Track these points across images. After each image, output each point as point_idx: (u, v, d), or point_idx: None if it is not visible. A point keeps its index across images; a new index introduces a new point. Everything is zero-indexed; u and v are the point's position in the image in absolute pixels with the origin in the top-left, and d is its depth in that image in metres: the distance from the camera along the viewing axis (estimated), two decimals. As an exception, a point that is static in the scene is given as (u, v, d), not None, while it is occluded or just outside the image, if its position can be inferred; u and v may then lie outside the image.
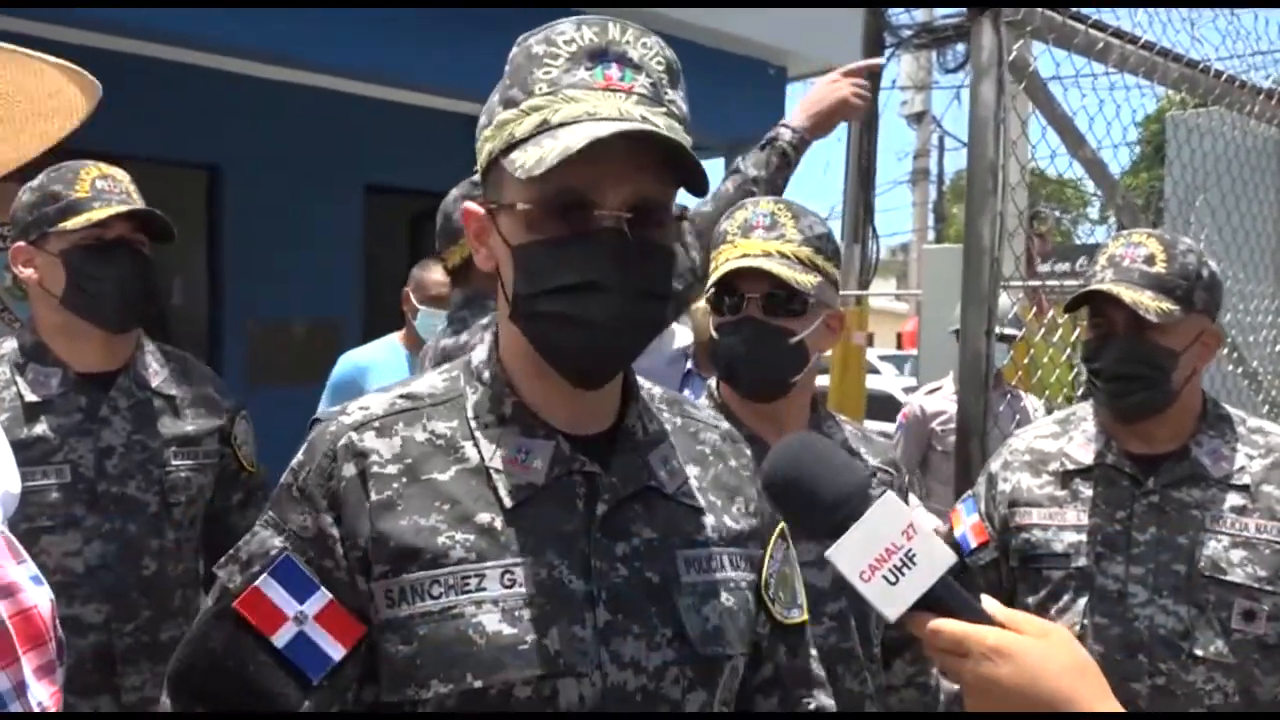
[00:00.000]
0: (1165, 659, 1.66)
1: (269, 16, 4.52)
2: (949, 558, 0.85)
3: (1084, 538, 1.74)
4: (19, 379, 1.93)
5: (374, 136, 6.23)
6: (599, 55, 0.95)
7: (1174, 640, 1.67)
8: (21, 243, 1.96)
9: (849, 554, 0.85)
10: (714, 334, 1.64)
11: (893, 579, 0.84)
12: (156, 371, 2.06)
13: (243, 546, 0.99)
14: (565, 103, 0.93)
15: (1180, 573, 1.68)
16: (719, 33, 5.85)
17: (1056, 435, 1.86)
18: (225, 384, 2.23)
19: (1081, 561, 1.73)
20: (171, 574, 2.00)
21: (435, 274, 3.42)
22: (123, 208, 1.92)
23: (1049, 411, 2.93)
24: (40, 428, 1.89)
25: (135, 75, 5.29)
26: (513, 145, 0.94)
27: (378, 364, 3.37)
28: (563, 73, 0.95)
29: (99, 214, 1.89)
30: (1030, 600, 1.79)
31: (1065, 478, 1.79)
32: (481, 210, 1.01)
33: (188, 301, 6.09)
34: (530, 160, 0.90)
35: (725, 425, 1.18)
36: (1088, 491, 1.77)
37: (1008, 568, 1.85)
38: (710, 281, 1.63)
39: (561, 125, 0.92)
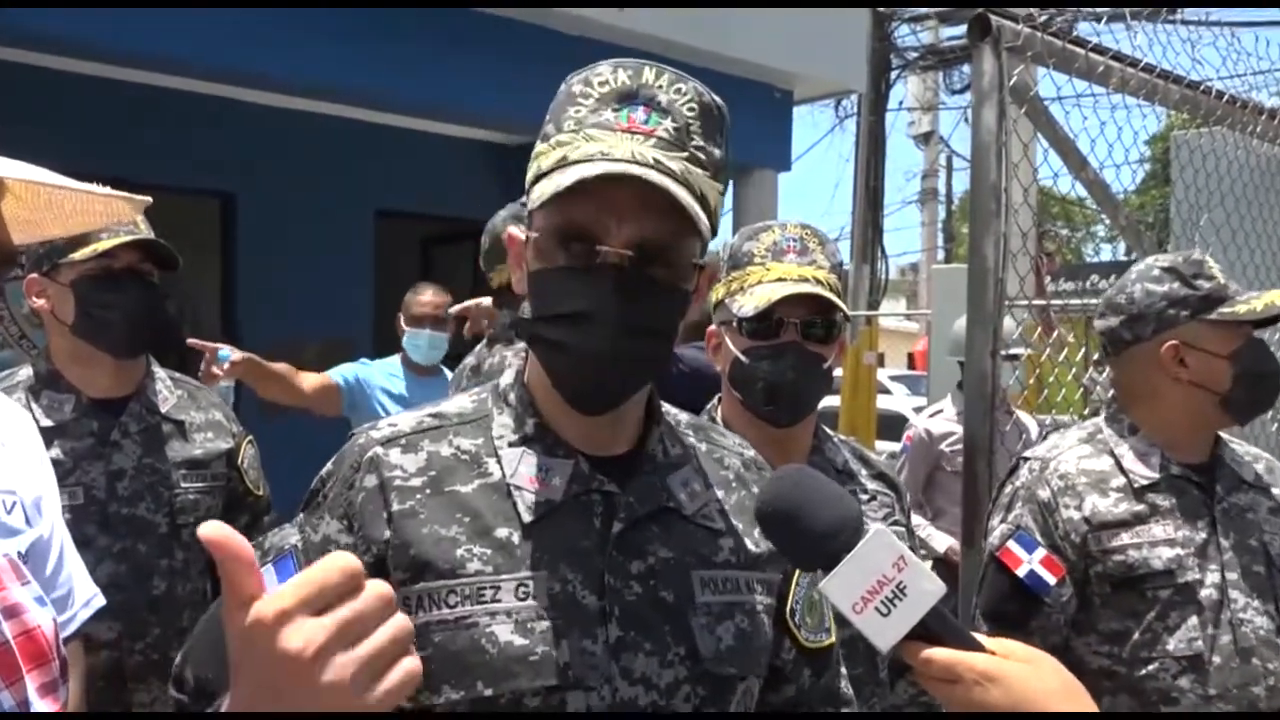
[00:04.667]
0: (1271, 659, 1.69)
1: (281, 46, 4.58)
2: (939, 589, 0.87)
3: (1179, 551, 1.71)
4: (34, 404, 1.96)
5: (384, 163, 6.29)
6: (628, 98, 0.99)
7: (1273, 639, 1.70)
8: (34, 274, 2.01)
9: (841, 586, 0.86)
10: (742, 357, 1.63)
11: (885, 610, 0.86)
12: (166, 397, 2.11)
13: (269, 536, 1.05)
14: (585, 141, 0.98)
15: (1261, 574, 1.72)
16: (724, 56, 5.89)
17: (1097, 453, 1.81)
18: (238, 410, 2.27)
19: (1189, 576, 1.70)
20: (180, 593, 2.03)
21: (423, 295, 3.61)
22: (129, 238, 1.96)
23: (1045, 431, 2.92)
24: (54, 451, 1.92)
25: (152, 107, 5.38)
26: (540, 176, 1.00)
27: (380, 379, 3.62)
28: (590, 112, 0.99)
29: (106, 244, 1.93)
30: (1132, 624, 1.71)
31: (1138, 493, 1.75)
32: (523, 236, 1.05)
33: (203, 328, 6.14)
34: (545, 190, 0.96)
35: (750, 453, 1.20)
36: (1164, 504, 1.74)
37: (1082, 596, 1.76)
38: (753, 305, 1.60)
39: (576, 162, 0.96)
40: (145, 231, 2.01)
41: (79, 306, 1.96)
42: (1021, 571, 1.75)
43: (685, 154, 0.99)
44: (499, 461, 1.03)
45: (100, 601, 1.60)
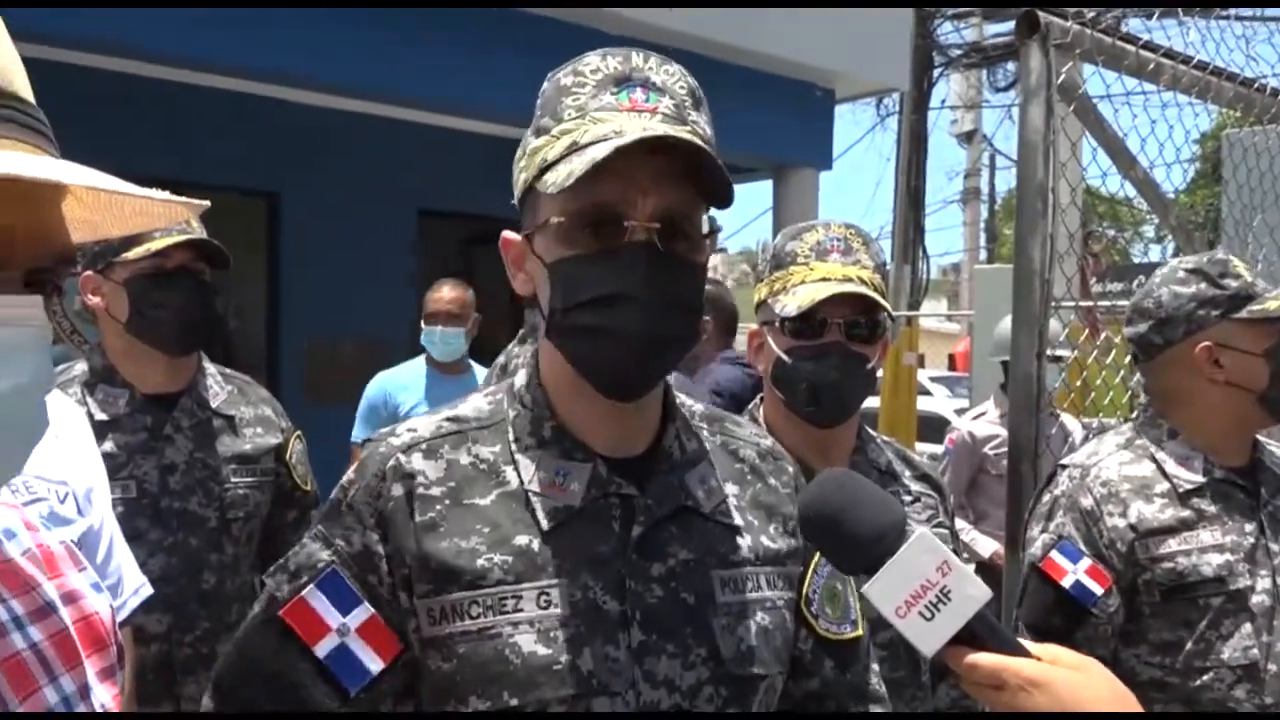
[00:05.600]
0: None
1: (327, 47, 4.64)
2: (984, 593, 0.86)
3: (1229, 557, 1.68)
4: (89, 399, 2.00)
5: (427, 162, 6.34)
6: (623, 81, 0.99)
7: None
8: (89, 272, 2.05)
9: (884, 590, 0.86)
10: (785, 357, 1.63)
11: (928, 615, 0.85)
12: (217, 393, 2.14)
13: (291, 557, 1.03)
14: (592, 124, 0.97)
15: None
16: (765, 55, 5.87)
17: (1137, 459, 1.78)
18: (281, 404, 2.30)
19: (1240, 583, 1.67)
20: (229, 588, 2.06)
21: (439, 292, 3.66)
22: (182, 237, 1.99)
23: (1089, 435, 2.88)
24: (108, 445, 1.96)
25: (200, 107, 5.46)
26: (545, 168, 0.98)
27: (402, 384, 3.69)
28: (590, 98, 0.99)
29: (159, 244, 1.97)
30: (1184, 634, 1.68)
31: (1183, 499, 1.72)
32: (518, 237, 1.05)
33: (248, 324, 6.24)
34: (560, 176, 0.94)
35: (766, 442, 1.19)
36: (1210, 509, 1.72)
37: (1130, 606, 1.73)
38: (796, 304, 1.59)
39: (590, 144, 0.95)
40: (197, 231, 2.05)
41: (133, 304, 2.00)
42: (1066, 582, 1.71)
43: (687, 128, 0.99)
44: (516, 467, 1.03)
45: (148, 591, 1.63)
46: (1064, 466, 1.85)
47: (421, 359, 3.78)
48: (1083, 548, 1.73)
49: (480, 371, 3.74)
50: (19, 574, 0.79)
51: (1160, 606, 1.71)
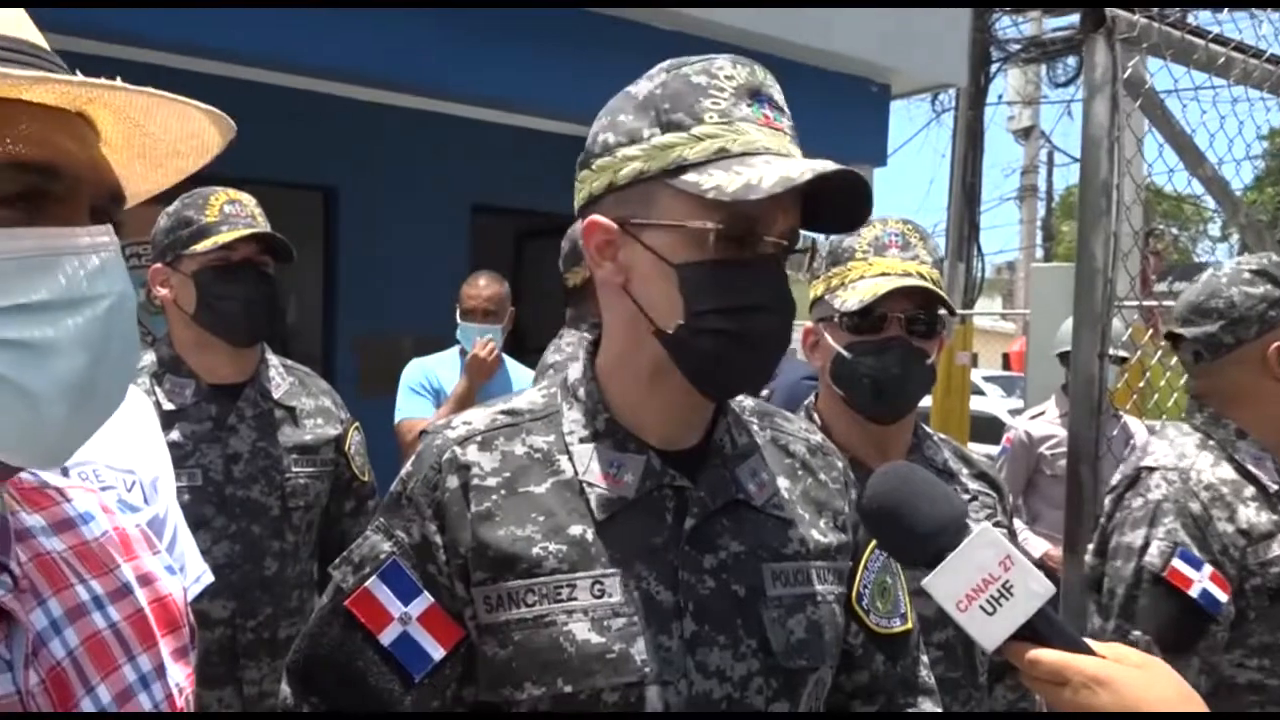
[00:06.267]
0: None
1: (384, 45, 4.70)
2: (1047, 589, 0.85)
3: None
4: (157, 389, 2.06)
5: (481, 158, 6.39)
6: (755, 94, 1.01)
7: None
8: (158, 264, 2.10)
9: (945, 584, 0.86)
10: (844, 353, 1.61)
11: (990, 609, 0.85)
12: (279, 384, 2.18)
13: (355, 549, 1.06)
14: (738, 134, 0.98)
15: None
16: (820, 51, 5.83)
17: (1215, 461, 1.75)
18: (340, 397, 2.34)
19: None
20: (290, 574, 2.11)
21: (475, 288, 3.67)
22: (247, 231, 2.04)
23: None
24: (175, 434, 2.01)
25: (257, 103, 5.55)
26: (684, 167, 0.97)
27: (438, 370, 3.75)
28: (730, 105, 0.99)
29: (226, 237, 2.02)
30: None
31: (1272, 501, 1.70)
32: (611, 223, 1.02)
33: (304, 317, 6.34)
34: (735, 184, 0.94)
35: (816, 438, 1.20)
36: None
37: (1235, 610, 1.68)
38: (858, 299, 1.58)
39: (743, 155, 0.97)
40: (262, 225, 2.09)
41: (200, 296, 2.05)
42: (1194, 592, 1.64)
43: (800, 150, 1.01)
44: (570, 458, 1.04)
45: (209, 578, 1.67)
46: (1151, 469, 1.77)
47: (455, 350, 3.79)
48: (1198, 553, 1.66)
49: (514, 365, 3.75)
50: (98, 555, 0.81)
51: (1267, 610, 1.67)
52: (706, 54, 1.04)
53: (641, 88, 1.03)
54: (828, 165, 0.95)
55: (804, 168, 0.94)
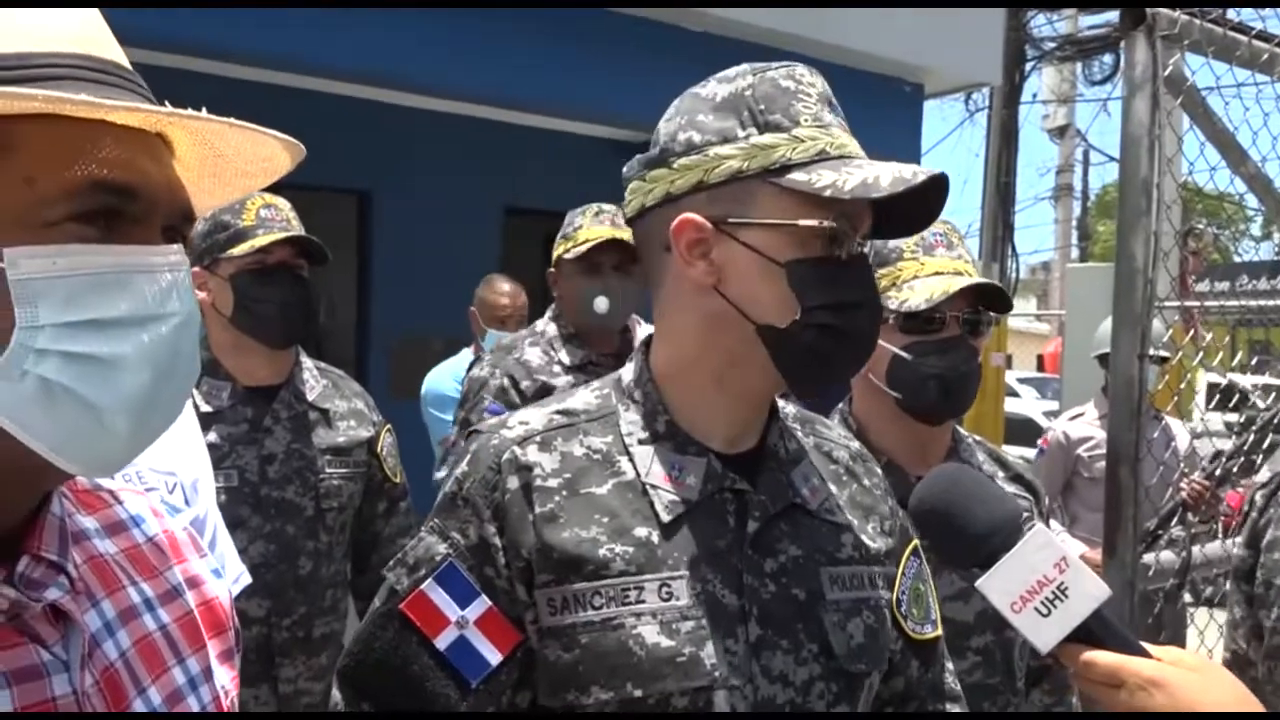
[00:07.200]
0: None
1: (418, 49, 4.74)
2: (1103, 591, 0.85)
3: None
4: (195, 391, 2.08)
5: (513, 160, 6.42)
6: (830, 102, 1.05)
7: None
8: (196, 268, 2.13)
9: (999, 585, 0.86)
10: (903, 354, 1.57)
11: (1044, 611, 0.85)
12: (313, 386, 2.21)
13: (410, 551, 1.04)
14: (834, 138, 1.02)
15: None
16: (853, 51, 5.80)
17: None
18: (372, 399, 2.36)
19: None
20: (324, 574, 2.13)
21: (500, 296, 3.63)
22: (283, 234, 2.06)
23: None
24: (212, 436, 2.03)
25: (292, 108, 5.61)
26: (787, 166, 0.99)
27: (455, 374, 3.64)
28: (820, 110, 1.03)
29: (262, 240, 2.04)
30: None
31: None
32: (705, 222, 1.01)
33: (338, 319, 6.40)
34: (851, 182, 0.96)
35: (855, 444, 1.21)
36: None
37: None
38: (923, 298, 1.55)
39: (841, 158, 1.00)
40: (298, 228, 2.11)
41: (237, 299, 2.07)
42: None
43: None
44: (631, 460, 1.03)
45: (247, 580, 1.69)
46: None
47: (466, 353, 3.73)
48: None
49: None
50: (149, 558, 0.82)
51: None
52: (752, 59, 1.06)
53: (717, 89, 1.04)
54: (930, 170, 0.99)
55: (909, 171, 0.97)
